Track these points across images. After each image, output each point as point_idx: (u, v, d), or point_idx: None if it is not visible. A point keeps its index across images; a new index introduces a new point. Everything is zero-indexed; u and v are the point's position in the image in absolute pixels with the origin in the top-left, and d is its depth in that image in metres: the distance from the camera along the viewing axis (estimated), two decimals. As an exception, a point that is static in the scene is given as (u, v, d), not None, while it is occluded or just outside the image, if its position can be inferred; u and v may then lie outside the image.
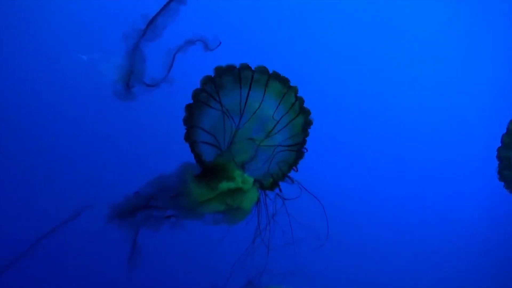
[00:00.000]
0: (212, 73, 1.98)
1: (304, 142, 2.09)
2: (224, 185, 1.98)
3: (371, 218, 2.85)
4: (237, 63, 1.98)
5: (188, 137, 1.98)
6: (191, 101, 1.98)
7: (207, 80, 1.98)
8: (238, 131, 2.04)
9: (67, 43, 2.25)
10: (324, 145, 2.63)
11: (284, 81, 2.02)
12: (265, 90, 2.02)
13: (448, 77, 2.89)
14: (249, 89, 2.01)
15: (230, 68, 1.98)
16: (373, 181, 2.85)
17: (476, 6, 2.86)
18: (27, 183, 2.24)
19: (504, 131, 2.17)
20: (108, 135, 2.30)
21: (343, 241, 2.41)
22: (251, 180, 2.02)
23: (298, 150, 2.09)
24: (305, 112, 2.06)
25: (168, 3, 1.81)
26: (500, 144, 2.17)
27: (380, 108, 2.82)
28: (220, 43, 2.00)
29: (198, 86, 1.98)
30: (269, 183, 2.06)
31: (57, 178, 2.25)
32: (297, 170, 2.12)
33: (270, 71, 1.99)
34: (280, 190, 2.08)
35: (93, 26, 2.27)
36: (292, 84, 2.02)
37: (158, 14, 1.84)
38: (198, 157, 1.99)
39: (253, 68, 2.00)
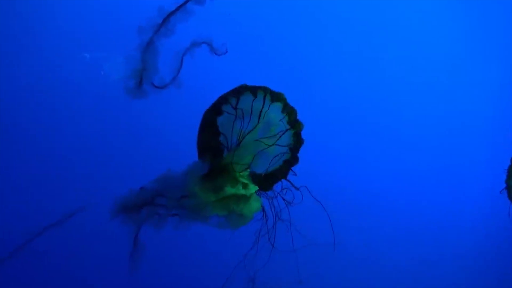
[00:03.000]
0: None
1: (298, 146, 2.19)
2: (228, 190, 2.00)
3: (375, 224, 2.86)
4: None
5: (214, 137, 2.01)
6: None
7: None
8: (247, 134, 2.09)
9: (71, 42, 2.26)
10: (327, 149, 2.67)
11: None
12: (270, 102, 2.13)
13: (448, 78, 3.00)
14: (264, 99, 2.10)
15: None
16: (378, 186, 2.88)
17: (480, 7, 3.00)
18: (31, 182, 2.16)
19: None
20: (114, 133, 2.27)
21: (347, 248, 2.41)
22: (255, 188, 2.06)
23: (294, 153, 2.17)
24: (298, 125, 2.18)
25: (185, 3, 1.89)
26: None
27: (389, 114, 2.90)
28: (227, 51, 2.09)
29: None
30: (270, 179, 2.10)
31: (62, 176, 2.17)
32: (295, 174, 2.19)
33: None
34: (283, 184, 2.12)
35: (98, 25, 2.28)
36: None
37: (172, 13, 1.91)
38: (218, 155, 2.01)
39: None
